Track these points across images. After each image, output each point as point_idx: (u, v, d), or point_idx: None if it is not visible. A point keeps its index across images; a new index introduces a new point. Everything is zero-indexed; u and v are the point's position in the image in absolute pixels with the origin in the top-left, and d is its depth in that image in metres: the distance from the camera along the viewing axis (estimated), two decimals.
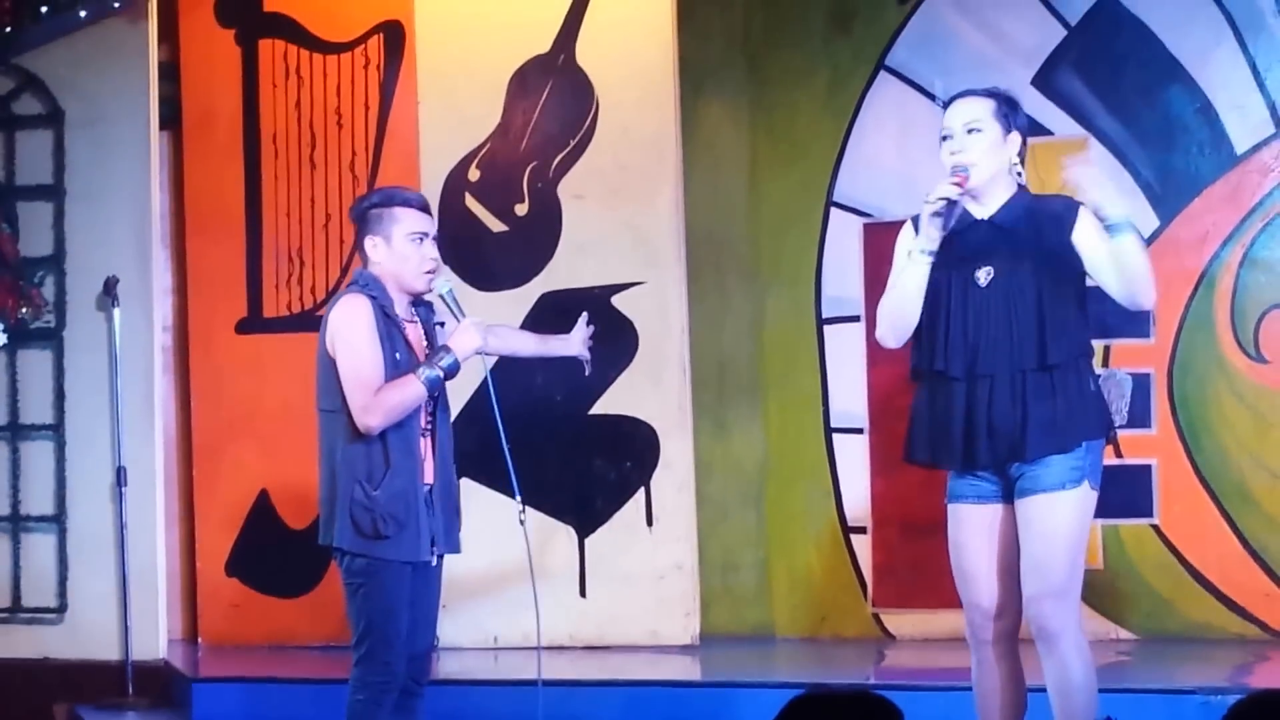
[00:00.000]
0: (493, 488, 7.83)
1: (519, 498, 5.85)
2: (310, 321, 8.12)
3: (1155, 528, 8.09)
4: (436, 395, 5.78)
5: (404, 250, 5.77)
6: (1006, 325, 5.33)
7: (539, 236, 8.44)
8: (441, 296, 5.84)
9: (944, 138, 5.45)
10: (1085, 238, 5.35)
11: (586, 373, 6.36)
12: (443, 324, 5.93)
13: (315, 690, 7.44)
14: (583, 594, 8.34)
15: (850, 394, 8.46)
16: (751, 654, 8.34)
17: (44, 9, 7.73)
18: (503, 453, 5.80)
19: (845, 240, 8.47)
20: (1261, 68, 8.01)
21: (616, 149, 8.37)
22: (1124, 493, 7.77)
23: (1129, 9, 8.12)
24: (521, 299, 8.36)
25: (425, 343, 5.85)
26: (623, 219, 8.35)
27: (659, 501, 8.30)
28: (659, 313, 8.31)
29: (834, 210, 8.50)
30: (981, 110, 5.42)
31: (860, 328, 8.39)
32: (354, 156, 8.60)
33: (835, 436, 8.51)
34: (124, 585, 7.98)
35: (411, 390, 5.66)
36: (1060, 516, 5.31)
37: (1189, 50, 8.08)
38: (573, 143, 8.41)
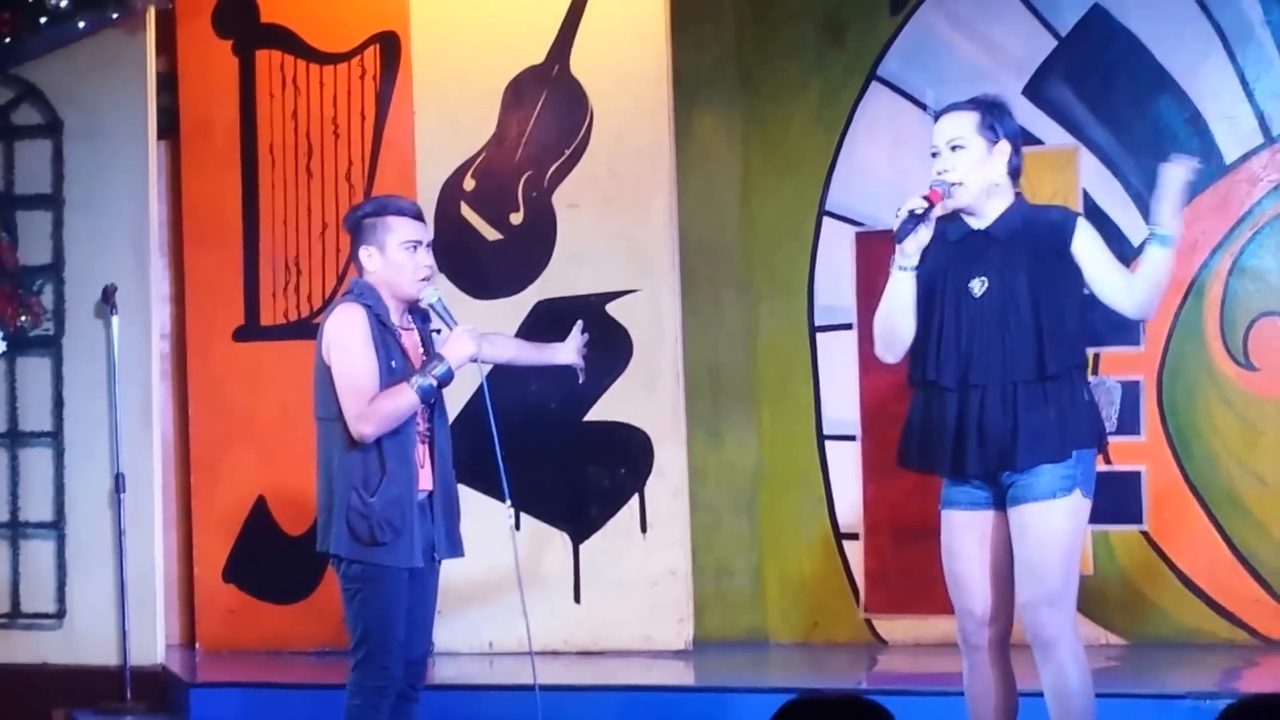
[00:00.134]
0: (488, 494, 7.83)
1: (509, 501, 5.89)
2: (307, 329, 8.16)
3: (1145, 534, 8.12)
4: (434, 403, 5.81)
5: (398, 259, 5.79)
6: (1000, 336, 5.33)
7: (534, 245, 8.47)
8: (431, 306, 5.86)
9: (933, 154, 5.46)
10: (1084, 248, 5.37)
11: (580, 381, 6.40)
12: (439, 331, 5.93)
13: (312, 695, 7.47)
14: (577, 600, 8.37)
15: (843, 401, 8.48)
16: (745, 659, 8.36)
17: (43, 20, 7.74)
18: (501, 459, 5.84)
19: (837, 249, 8.50)
20: (1250, 78, 8.04)
21: (611, 158, 8.41)
22: (1114, 499, 7.76)
23: (1119, 20, 8.15)
24: (517, 307, 8.40)
25: (422, 350, 5.87)
26: (617, 228, 8.38)
27: (653, 508, 8.33)
28: (653, 320, 8.34)
29: (826, 219, 8.53)
30: (965, 126, 5.42)
31: (852, 336, 8.42)
32: (350, 166, 8.63)
33: (828, 443, 8.53)
34: (122, 591, 7.98)
35: (405, 399, 5.68)
36: (1053, 524, 5.31)
37: (1179, 61, 8.11)
38: (567, 152, 8.44)
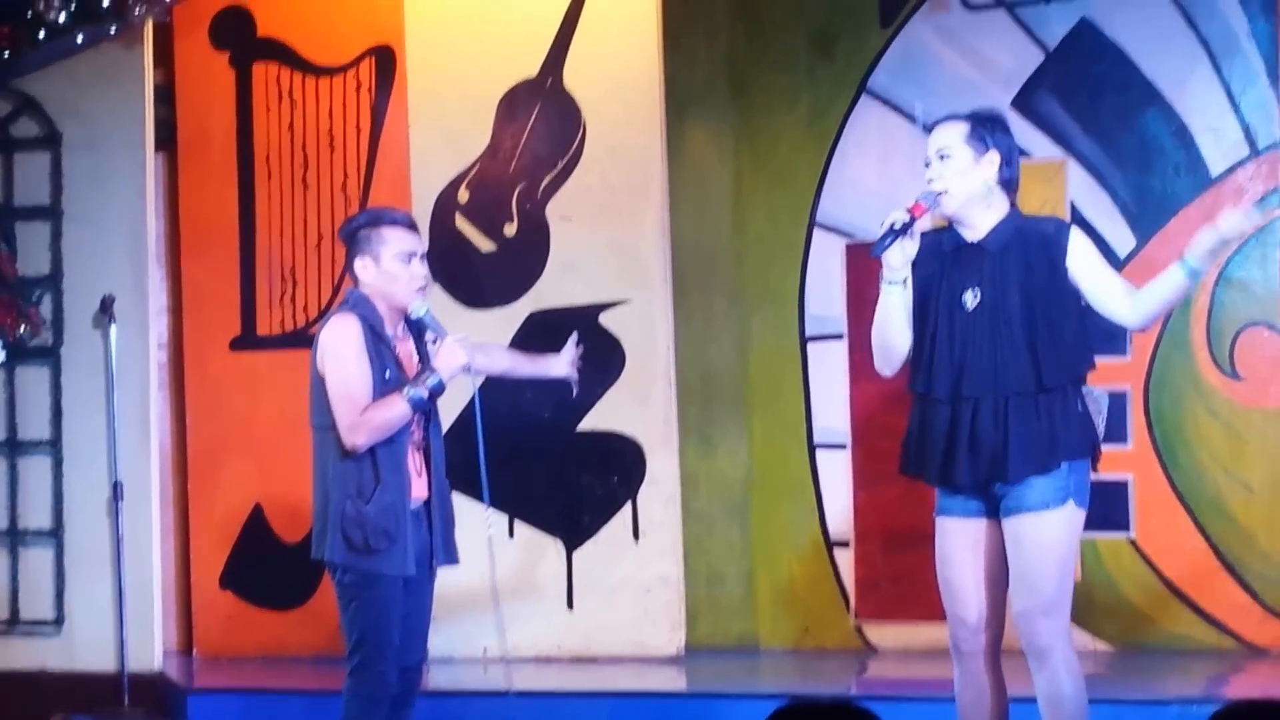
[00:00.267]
0: (481, 502, 7.89)
1: (486, 502, 5.95)
2: (303, 339, 8.19)
3: (1132, 542, 8.16)
4: (428, 412, 5.86)
5: (393, 270, 5.83)
6: (992, 348, 5.35)
7: (527, 256, 8.50)
8: (420, 319, 5.89)
9: (926, 164, 5.50)
10: (1078, 259, 5.39)
11: (574, 394, 6.44)
12: (435, 340, 5.96)
13: (309, 701, 7.52)
14: (570, 606, 8.40)
15: (833, 410, 8.51)
16: (736, 665, 8.38)
17: (42, 34, 7.76)
18: (485, 466, 5.89)
19: (828, 260, 8.53)
20: (1236, 92, 8.08)
21: (604, 171, 8.44)
22: (1101, 507, 7.71)
23: (1107, 34, 8.19)
24: (510, 317, 8.44)
25: (417, 360, 5.90)
26: (609, 239, 8.42)
27: (645, 515, 8.37)
28: (645, 330, 8.38)
29: (817, 231, 8.56)
30: (953, 136, 5.45)
31: (843, 346, 8.46)
32: (346, 178, 8.66)
33: (819, 452, 8.56)
34: (120, 598, 7.96)
35: (397, 409, 5.72)
36: (1047, 534, 5.35)
37: (1165, 75, 8.16)
38: (561, 164, 8.48)
